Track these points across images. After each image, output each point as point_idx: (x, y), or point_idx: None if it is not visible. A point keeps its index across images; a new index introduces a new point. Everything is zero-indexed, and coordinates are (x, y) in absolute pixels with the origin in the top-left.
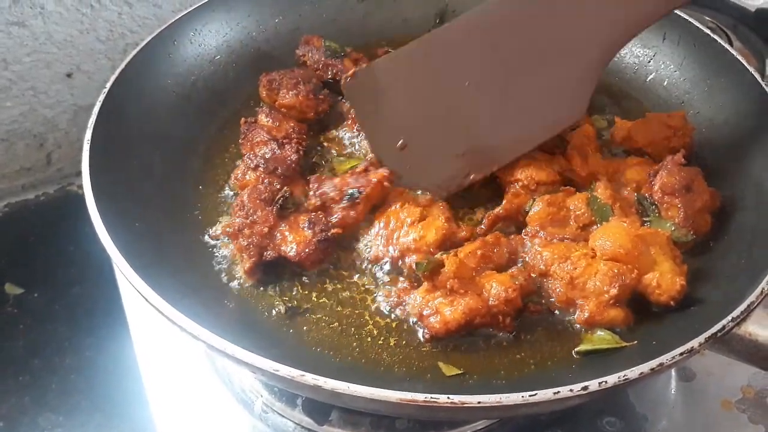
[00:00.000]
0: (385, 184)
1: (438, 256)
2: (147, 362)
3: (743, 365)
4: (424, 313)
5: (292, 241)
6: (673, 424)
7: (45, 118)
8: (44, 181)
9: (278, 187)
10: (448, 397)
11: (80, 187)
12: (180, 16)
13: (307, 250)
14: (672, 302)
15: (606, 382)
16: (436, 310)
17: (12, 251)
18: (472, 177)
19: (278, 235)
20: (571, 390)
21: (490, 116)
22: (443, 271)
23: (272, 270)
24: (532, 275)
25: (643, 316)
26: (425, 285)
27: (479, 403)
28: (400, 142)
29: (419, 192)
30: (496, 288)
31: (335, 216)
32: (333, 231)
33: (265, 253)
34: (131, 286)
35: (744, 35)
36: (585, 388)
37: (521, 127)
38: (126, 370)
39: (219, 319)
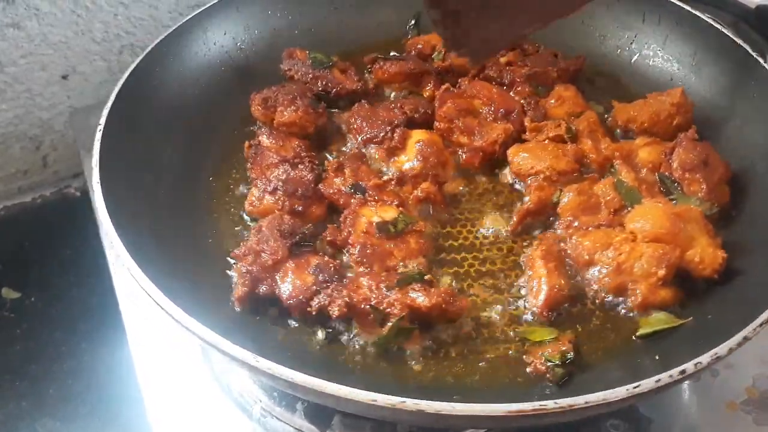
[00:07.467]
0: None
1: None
2: (144, 367)
3: (747, 366)
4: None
5: (291, 282)
6: (678, 426)
7: (41, 120)
8: (40, 184)
9: (300, 209)
10: (453, 406)
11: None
12: (156, 42)
13: (301, 297)
14: (715, 275)
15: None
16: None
17: (8, 255)
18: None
19: (281, 271)
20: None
21: None
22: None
23: (266, 303)
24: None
25: (690, 293)
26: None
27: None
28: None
29: None
30: None
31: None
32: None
33: (259, 286)
34: (138, 285)
35: (745, 33)
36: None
37: None
38: (123, 375)
39: (223, 321)
